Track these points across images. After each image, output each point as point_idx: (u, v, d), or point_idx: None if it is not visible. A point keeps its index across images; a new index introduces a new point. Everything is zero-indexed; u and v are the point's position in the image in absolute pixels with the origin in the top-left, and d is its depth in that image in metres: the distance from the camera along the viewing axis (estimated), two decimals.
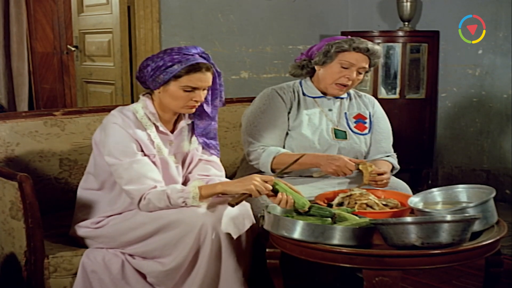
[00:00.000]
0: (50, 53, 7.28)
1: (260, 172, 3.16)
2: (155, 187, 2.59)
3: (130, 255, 2.66)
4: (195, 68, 2.62)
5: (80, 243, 2.77)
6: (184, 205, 2.57)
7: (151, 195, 2.57)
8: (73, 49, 5.98)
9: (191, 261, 2.57)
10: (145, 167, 2.62)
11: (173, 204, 2.56)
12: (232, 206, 2.54)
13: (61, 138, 3.13)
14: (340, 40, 3.14)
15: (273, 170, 3.08)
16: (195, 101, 2.67)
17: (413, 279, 3.49)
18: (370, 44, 3.12)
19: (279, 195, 2.59)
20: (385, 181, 2.94)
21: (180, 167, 2.81)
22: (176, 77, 2.62)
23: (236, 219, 2.63)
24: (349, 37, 3.17)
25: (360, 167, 2.92)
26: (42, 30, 7.19)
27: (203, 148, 2.86)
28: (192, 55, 2.63)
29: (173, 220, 2.57)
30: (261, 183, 2.56)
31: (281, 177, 3.08)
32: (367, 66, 3.15)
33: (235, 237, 2.60)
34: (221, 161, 2.93)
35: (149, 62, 2.66)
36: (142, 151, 2.65)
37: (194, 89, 2.64)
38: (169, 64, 2.61)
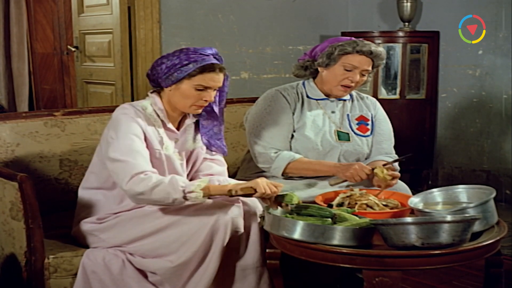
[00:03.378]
0: (50, 54, 7.28)
1: (262, 172, 3.16)
2: (157, 173, 2.60)
3: (131, 254, 2.66)
4: (209, 67, 2.66)
5: (81, 243, 2.77)
6: (181, 191, 2.51)
7: (154, 174, 2.55)
8: (73, 49, 5.98)
9: (200, 257, 2.57)
10: (147, 153, 2.63)
11: (171, 185, 2.50)
12: (231, 195, 2.55)
13: (61, 138, 3.13)
14: (343, 42, 3.13)
15: (283, 175, 3.08)
16: (205, 100, 2.70)
17: (413, 280, 3.49)
18: (373, 47, 3.11)
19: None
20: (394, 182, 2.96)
21: (184, 164, 2.83)
22: (190, 75, 2.65)
23: (247, 213, 2.66)
24: (353, 38, 3.16)
25: (376, 170, 2.92)
26: (42, 30, 7.20)
27: (206, 148, 2.88)
28: (207, 55, 2.68)
29: (185, 215, 2.58)
30: (268, 183, 2.56)
31: (286, 179, 3.09)
32: (370, 68, 3.14)
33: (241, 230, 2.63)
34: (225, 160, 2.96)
35: (164, 60, 2.70)
36: (147, 144, 2.67)
37: (206, 88, 2.68)
38: (185, 62, 2.65)
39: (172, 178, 2.54)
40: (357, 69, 3.11)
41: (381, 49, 3.14)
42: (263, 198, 2.63)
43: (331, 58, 3.12)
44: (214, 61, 2.69)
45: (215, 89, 2.73)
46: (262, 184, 2.55)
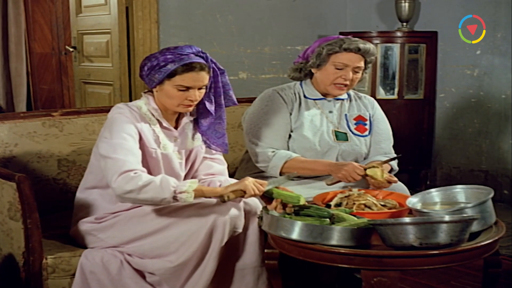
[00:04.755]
0: (49, 54, 7.28)
1: (261, 173, 3.16)
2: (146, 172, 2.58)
3: (129, 254, 2.66)
4: (188, 67, 2.62)
5: (79, 244, 2.77)
6: (172, 191, 2.49)
7: (144, 173, 2.53)
8: (71, 49, 5.98)
9: (198, 257, 2.57)
10: (139, 153, 2.62)
11: (162, 184, 2.49)
12: (224, 201, 2.54)
13: (59, 138, 3.13)
14: (331, 41, 3.13)
15: (280, 174, 3.08)
16: (190, 100, 2.67)
17: (412, 280, 3.49)
18: (361, 44, 3.11)
19: (273, 202, 2.63)
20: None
21: (183, 163, 2.82)
22: (170, 76, 2.63)
23: (247, 213, 2.67)
24: (340, 37, 3.16)
25: (368, 172, 2.92)
26: (40, 30, 7.19)
27: (206, 146, 2.87)
28: (186, 54, 2.63)
29: (184, 215, 2.58)
30: (254, 184, 2.58)
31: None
32: (362, 65, 3.14)
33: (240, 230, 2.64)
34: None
35: (146, 62, 2.69)
36: (143, 143, 2.66)
37: (188, 88, 2.65)
38: (163, 63, 2.62)
39: (163, 178, 2.52)
40: (348, 67, 3.11)
41: (369, 45, 3.14)
42: (264, 198, 2.64)
43: (321, 58, 3.13)
44: (195, 59, 2.64)
45: (200, 88, 2.68)
46: (250, 185, 2.56)
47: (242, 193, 2.57)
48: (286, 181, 2.75)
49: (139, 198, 2.51)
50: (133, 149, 2.59)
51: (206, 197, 2.59)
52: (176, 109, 2.72)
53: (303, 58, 3.25)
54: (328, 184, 3.03)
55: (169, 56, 2.62)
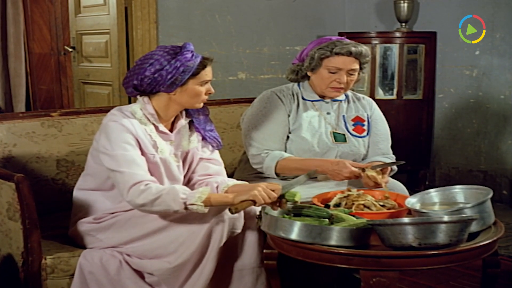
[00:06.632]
0: (47, 54, 7.27)
1: (259, 173, 3.16)
2: (155, 182, 2.59)
3: (128, 254, 2.66)
4: (206, 62, 2.68)
5: (78, 244, 2.77)
6: (182, 203, 2.48)
7: (153, 185, 2.54)
8: (70, 50, 5.98)
9: (197, 257, 2.57)
10: (143, 161, 2.62)
11: (171, 197, 2.49)
12: (232, 213, 2.49)
13: (58, 139, 3.13)
14: (322, 45, 3.12)
15: (277, 175, 3.08)
16: (210, 93, 2.73)
17: (410, 280, 3.49)
18: (353, 47, 3.09)
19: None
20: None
21: (181, 166, 2.82)
22: (195, 74, 2.65)
23: (247, 213, 2.66)
24: (332, 39, 3.15)
25: (368, 173, 2.91)
26: (39, 31, 7.19)
27: (204, 142, 2.87)
28: (193, 51, 2.68)
29: (183, 216, 2.58)
30: (265, 190, 2.51)
31: (283, 179, 3.09)
32: (356, 67, 3.13)
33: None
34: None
35: (157, 67, 2.63)
36: (141, 149, 2.65)
37: (207, 82, 2.71)
38: (188, 63, 2.63)
39: (172, 190, 2.51)
40: (342, 70, 3.10)
41: (361, 48, 3.12)
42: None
43: (314, 62, 3.13)
44: (199, 54, 2.70)
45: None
46: (260, 194, 2.48)
47: (252, 203, 2.51)
48: (302, 182, 2.68)
49: (153, 210, 2.54)
50: (136, 158, 2.59)
51: (217, 205, 2.55)
52: (197, 106, 2.74)
53: (299, 59, 3.24)
54: (320, 180, 3.04)
55: (186, 55, 2.63)
